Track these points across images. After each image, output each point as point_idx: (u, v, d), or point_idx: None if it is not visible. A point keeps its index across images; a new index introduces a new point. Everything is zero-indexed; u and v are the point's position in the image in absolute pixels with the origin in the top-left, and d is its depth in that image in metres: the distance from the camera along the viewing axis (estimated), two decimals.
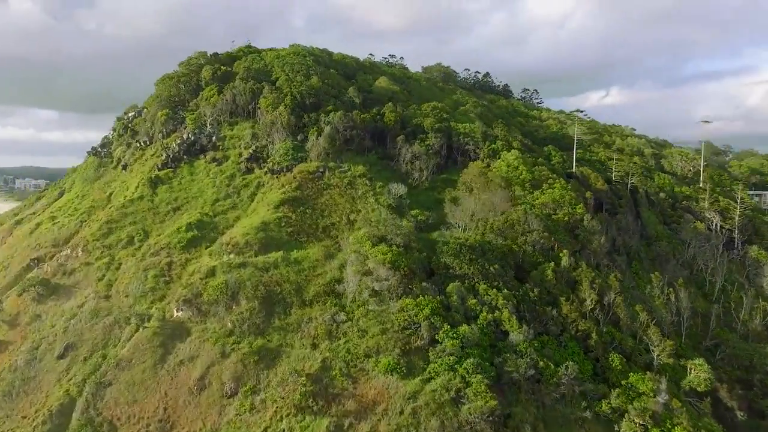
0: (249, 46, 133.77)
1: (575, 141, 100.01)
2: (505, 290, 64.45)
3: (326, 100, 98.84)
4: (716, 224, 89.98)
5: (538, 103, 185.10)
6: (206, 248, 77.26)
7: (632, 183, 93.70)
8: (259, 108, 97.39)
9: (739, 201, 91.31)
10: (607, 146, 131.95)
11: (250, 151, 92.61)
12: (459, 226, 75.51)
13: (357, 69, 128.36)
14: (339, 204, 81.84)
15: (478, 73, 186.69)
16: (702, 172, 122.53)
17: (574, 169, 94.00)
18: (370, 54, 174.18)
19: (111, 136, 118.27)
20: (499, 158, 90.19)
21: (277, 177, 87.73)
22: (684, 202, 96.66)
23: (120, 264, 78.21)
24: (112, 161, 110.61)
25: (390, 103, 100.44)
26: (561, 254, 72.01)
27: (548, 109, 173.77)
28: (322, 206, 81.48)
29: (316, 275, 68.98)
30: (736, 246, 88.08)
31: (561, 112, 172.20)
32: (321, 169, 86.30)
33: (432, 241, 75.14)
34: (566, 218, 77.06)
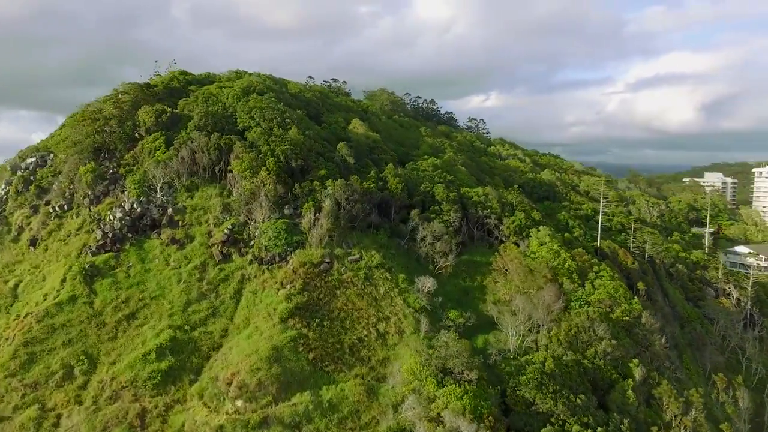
0: (185, 73, 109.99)
1: (600, 216, 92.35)
2: (599, 429, 53.59)
3: (313, 159, 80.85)
4: (734, 297, 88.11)
5: (485, 134, 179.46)
6: (192, 385, 57.07)
7: (650, 255, 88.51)
8: (231, 172, 76.84)
9: (751, 272, 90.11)
10: (585, 194, 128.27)
11: (225, 230, 72.08)
12: (511, 334, 63.40)
13: (316, 103, 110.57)
14: (361, 309, 65.36)
15: (419, 98, 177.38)
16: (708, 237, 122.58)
17: (598, 242, 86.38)
18: (309, 77, 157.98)
19: (2, 191, 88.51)
20: (526, 235, 79.29)
21: (269, 269, 68.75)
22: (698, 272, 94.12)
23: (58, 418, 54.96)
24: (8, 230, 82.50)
25: (391, 166, 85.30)
26: (632, 365, 62.98)
27: (502, 142, 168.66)
28: (340, 314, 64.44)
29: (365, 426, 52.71)
30: (747, 316, 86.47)
31: (513, 146, 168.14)
32: (327, 260, 68.95)
33: (481, 350, 62.51)
34: (625, 317, 68.22)
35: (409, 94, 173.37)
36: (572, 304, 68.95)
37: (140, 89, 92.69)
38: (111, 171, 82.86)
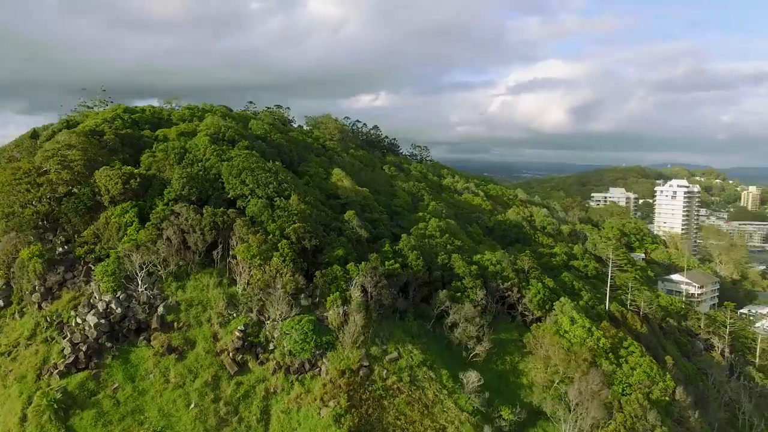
0: (129, 111, 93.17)
1: (609, 278, 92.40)
2: None
3: (322, 233, 71.14)
4: (718, 347, 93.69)
5: (428, 159, 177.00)
6: None
7: (644, 311, 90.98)
8: (233, 257, 64.83)
9: (728, 321, 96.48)
10: (550, 234, 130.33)
11: (237, 332, 60.36)
12: (570, 429, 60.44)
13: (287, 148, 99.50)
14: (414, 422, 58.11)
15: (359, 121, 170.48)
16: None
17: (607, 306, 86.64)
18: (250, 102, 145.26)
19: None
20: (549, 308, 76.79)
21: (299, 380, 58.72)
22: (683, 323, 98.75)
23: None
24: None
25: (406, 238, 78.12)
26: None
27: (452, 172, 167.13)
28: (395, 431, 56.57)
29: None
30: (730, 363, 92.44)
31: (466, 176, 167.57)
32: (365, 363, 60.56)
33: None
34: (664, 397, 68.37)
35: (348, 118, 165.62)
36: (614, 387, 67.63)
37: (88, 140, 75.53)
38: (63, 251, 66.27)
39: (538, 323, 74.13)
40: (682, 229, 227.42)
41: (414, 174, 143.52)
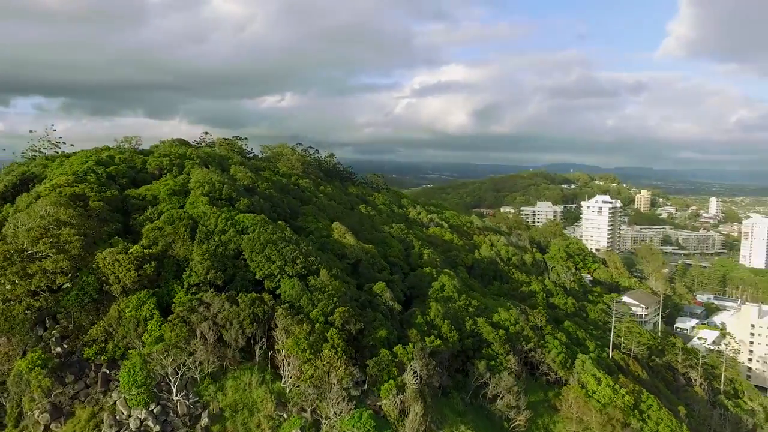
0: (101, 164, 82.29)
1: (613, 328, 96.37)
2: None
3: (357, 311, 67.50)
4: (696, 380, 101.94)
5: (384, 188, 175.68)
6: None
7: (635, 353, 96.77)
8: (278, 351, 59.48)
9: (701, 353, 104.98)
10: (517, 266, 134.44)
11: None
12: None
13: (279, 198, 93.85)
14: None
15: (311, 148, 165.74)
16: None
17: (610, 354, 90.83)
18: (205, 132, 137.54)
19: None
20: (570, 365, 79.04)
21: None
22: (663, 359, 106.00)
23: None
24: None
25: (435, 306, 76.32)
26: None
27: (411, 201, 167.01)
28: None
29: None
30: (708, 395, 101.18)
31: (423, 205, 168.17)
32: None
33: None
34: None
35: (301, 144, 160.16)
36: None
37: (76, 211, 65.47)
38: (63, 352, 56.87)
39: (564, 384, 76.05)
40: (608, 242, 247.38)
41: (383, 209, 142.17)
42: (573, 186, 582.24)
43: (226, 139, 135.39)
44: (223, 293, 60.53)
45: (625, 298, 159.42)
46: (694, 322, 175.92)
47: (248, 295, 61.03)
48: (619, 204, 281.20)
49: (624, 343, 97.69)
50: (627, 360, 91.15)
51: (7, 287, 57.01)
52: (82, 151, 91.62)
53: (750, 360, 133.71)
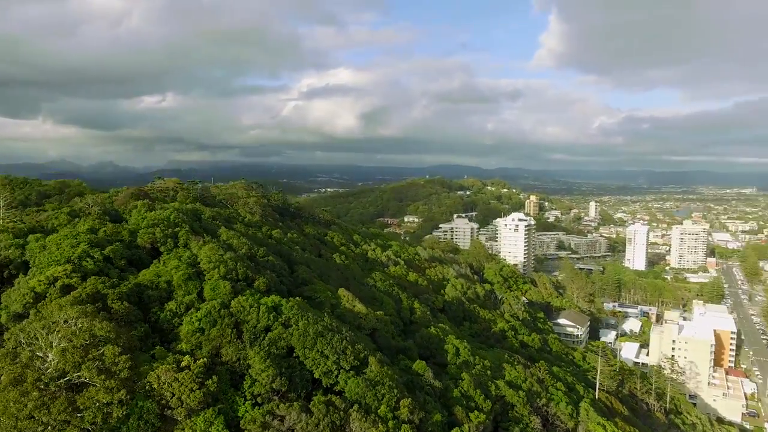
0: (92, 244, 74.06)
1: (599, 372, 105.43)
2: None
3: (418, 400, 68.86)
4: (654, 405, 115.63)
5: (334, 223, 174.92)
6: None
7: (608, 388, 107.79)
8: None
9: (653, 380, 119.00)
10: (473, 300, 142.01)
11: None
12: None
13: (279, 267, 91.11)
14: None
15: (260, 185, 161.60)
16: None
17: (596, 395, 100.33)
18: (158, 177, 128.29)
19: None
20: (576, 414, 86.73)
21: None
22: (627, 387, 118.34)
23: None
24: None
25: (467, 378, 79.10)
26: None
27: (362, 237, 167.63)
28: None
29: None
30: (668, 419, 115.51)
31: (372, 237, 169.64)
32: None
33: None
34: None
35: (257, 182, 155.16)
36: None
37: (109, 323, 59.03)
38: None
39: None
40: (524, 257, 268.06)
41: (343, 250, 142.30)
42: (468, 192, 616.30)
43: (180, 183, 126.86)
44: (296, 402, 58.51)
45: (561, 320, 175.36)
46: (613, 333, 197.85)
47: (320, 399, 59.68)
48: (533, 221, 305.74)
49: (601, 381, 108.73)
50: (610, 399, 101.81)
51: (54, 427, 50.34)
52: (56, 232, 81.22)
53: (672, 371, 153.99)
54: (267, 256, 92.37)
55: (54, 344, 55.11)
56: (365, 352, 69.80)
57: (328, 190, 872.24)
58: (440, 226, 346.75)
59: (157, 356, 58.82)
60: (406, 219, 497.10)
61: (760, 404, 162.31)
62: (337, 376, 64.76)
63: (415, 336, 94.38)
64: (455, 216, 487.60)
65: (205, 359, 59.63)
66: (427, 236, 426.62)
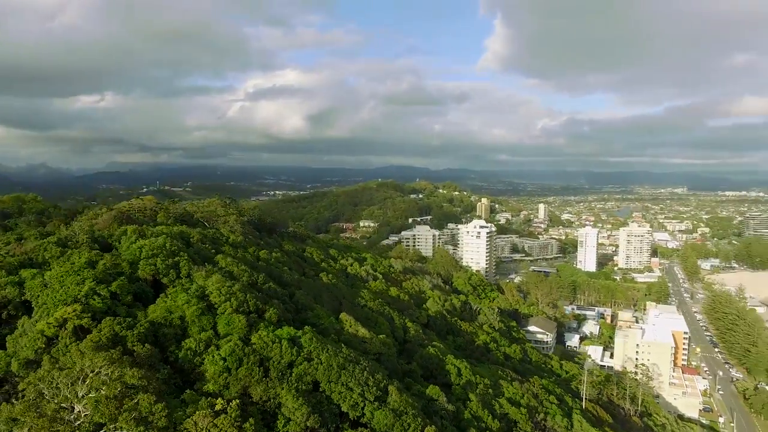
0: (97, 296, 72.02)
1: (585, 383, 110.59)
2: None
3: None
4: (629, 409, 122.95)
5: (309, 239, 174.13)
6: None
7: (591, 397, 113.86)
8: None
9: (627, 384, 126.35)
10: (451, 312, 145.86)
11: None
12: None
13: (276, 287, 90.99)
14: None
15: (229, 198, 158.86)
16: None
17: (583, 405, 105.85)
18: (137, 197, 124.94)
19: None
20: (570, 427, 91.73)
21: None
22: (605, 393, 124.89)
23: None
24: None
25: (476, 400, 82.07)
26: None
27: (339, 252, 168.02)
28: None
29: None
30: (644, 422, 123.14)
31: (345, 249, 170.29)
32: None
33: None
34: None
35: (233, 199, 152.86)
36: None
37: (139, 370, 58.03)
38: None
39: None
40: (486, 262, 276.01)
41: (324, 267, 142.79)
42: (421, 195, 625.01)
43: (159, 203, 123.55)
44: None
45: (531, 327, 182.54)
46: (577, 337, 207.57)
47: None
48: (494, 228, 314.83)
49: (584, 389, 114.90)
50: (596, 408, 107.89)
51: None
52: (63, 261, 78.04)
53: (635, 373, 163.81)
54: (267, 282, 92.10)
55: (81, 394, 53.80)
56: (384, 381, 71.47)
57: (277, 192, 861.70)
58: (402, 233, 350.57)
59: (187, 400, 58.23)
60: (361, 223, 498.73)
61: (712, 399, 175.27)
62: (363, 408, 66.13)
63: (414, 356, 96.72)
64: (410, 220, 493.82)
65: (237, 401, 59.62)
66: (384, 241, 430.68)
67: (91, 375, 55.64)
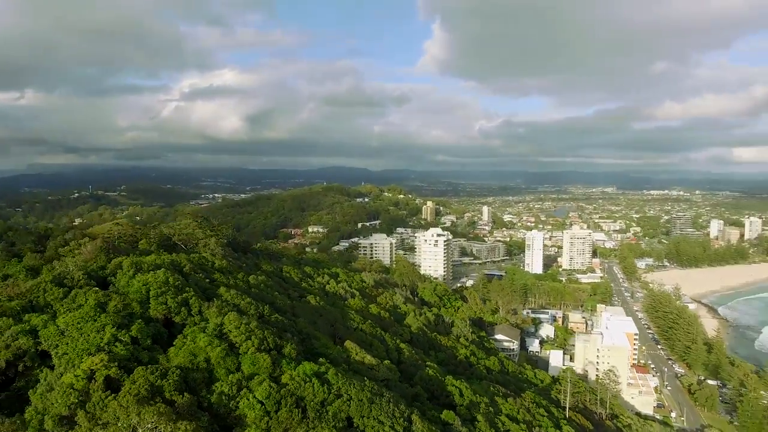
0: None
1: (568, 394, 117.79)
2: None
3: None
4: (600, 414, 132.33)
5: (282, 257, 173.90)
6: None
7: (569, 405, 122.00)
8: None
9: (598, 392, 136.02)
10: (428, 324, 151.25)
11: None
12: None
13: (286, 322, 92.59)
14: None
15: (205, 219, 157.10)
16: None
17: (567, 413, 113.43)
18: (116, 223, 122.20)
19: None
20: None
21: None
22: (580, 399, 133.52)
23: None
24: None
25: (483, 420, 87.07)
26: None
27: (313, 269, 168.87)
28: None
29: None
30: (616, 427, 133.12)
31: (317, 266, 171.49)
32: None
33: None
34: None
35: (205, 219, 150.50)
36: None
37: (188, 423, 58.71)
38: None
39: None
40: (444, 270, 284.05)
41: (305, 287, 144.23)
42: (367, 199, 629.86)
43: (140, 228, 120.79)
44: None
45: (498, 336, 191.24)
46: (537, 342, 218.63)
47: None
48: (451, 236, 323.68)
49: (567, 399, 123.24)
50: (578, 417, 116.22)
51: None
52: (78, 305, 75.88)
53: (596, 374, 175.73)
54: (272, 314, 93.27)
55: None
56: (407, 410, 75.14)
57: (217, 195, 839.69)
58: (360, 241, 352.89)
59: None
60: (310, 229, 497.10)
61: (662, 395, 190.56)
62: None
63: (413, 378, 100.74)
64: (360, 225, 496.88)
65: None
66: (335, 247, 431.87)
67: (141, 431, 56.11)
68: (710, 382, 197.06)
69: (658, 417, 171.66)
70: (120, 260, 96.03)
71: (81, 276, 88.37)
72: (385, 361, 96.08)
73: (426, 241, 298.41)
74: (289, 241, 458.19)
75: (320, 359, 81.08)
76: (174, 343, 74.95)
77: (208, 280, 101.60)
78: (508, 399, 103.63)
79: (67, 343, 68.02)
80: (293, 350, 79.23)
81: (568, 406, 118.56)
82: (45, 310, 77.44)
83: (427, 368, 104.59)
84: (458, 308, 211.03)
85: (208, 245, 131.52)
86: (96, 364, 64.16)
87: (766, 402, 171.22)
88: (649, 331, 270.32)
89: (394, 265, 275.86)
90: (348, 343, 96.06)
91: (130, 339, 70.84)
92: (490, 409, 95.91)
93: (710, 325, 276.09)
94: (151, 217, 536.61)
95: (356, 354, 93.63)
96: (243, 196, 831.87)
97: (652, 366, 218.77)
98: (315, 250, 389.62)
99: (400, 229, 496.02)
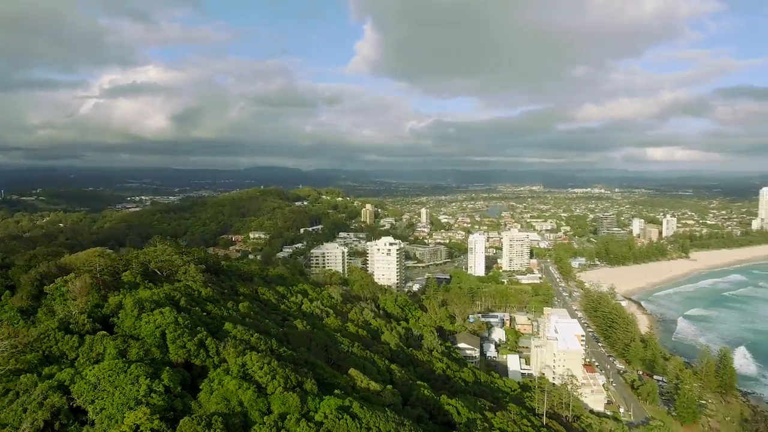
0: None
1: (545, 403, 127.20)
2: None
3: None
4: (566, 416, 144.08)
5: (257, 277, 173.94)
6: None
7: (543, 412, 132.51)
8: None
9: (545, 398, 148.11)
10: (417, 346, 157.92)
11: None
12: None
13: (288, 352, 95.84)
14: None
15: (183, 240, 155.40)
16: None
17: (544, 421, 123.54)
18: (99, 255, 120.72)
19: None
20: None
21: None
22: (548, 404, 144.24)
23: None
24: None
25: None
26: None
27: (287, 289, 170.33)
28: None
29: None
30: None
31: (290, 284, 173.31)
32: None
33: None
34: None
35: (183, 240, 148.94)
36: None
37: None
38: None
39: None
40: (397, 278, 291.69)
41: (284, 309, 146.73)
42: (305, 202, 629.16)
43: (121, 257, 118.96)
44: None
45: (461, 344, 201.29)
46: (492, 346, 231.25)
47: None
48: (403, 244, 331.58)
49: (543, 408, 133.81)
50: (553, 423, 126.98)
51: None
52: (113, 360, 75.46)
53: (553, 377, 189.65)
54: (281, 347, 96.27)
55: None
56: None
57: (144, 198, 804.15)
58: (313, 251, 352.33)
59: None
60: (251, 235, 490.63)
61: (609, 393, 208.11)
62: None
63: (410, 399, 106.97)
64: (302, 230, 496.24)
65: None
66: (279, 253, 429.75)
67: None
68: (656, 377, 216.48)
69: (609, 413, 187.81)
70: (118, 299, 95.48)
71: (86, 320, 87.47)
72: (388, 386, 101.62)
73: (379, 250, 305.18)
74: (230, 248, 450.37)
75: (336, 391, 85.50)
76: (201, 387, 77.01)
77: (204, 313, 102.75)
78: (496, 413, 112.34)
79: (103, 398, 68.61)
80: (314, 386, 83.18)
81: (544, 414, 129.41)
82: (61, 361, 76.94)
83: (420, 388, 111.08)
84: (418, 318, 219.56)
85: (188, 272, 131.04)
86: (140, 419, 65.53)
87: (697, 392, 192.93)
88: (589, 330, 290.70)
89: (348, 275, 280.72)
90: (352, 371, 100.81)
91: (163, 388, 72.30)
92: (485, 424, 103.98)
93: (641, 321, 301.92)
94: (77, 224, 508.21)
95: (360, 381, 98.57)
96: (172, 198, 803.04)
97: (596, 364, 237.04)
98: (258, 257, 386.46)
99: (342, 234, 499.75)
